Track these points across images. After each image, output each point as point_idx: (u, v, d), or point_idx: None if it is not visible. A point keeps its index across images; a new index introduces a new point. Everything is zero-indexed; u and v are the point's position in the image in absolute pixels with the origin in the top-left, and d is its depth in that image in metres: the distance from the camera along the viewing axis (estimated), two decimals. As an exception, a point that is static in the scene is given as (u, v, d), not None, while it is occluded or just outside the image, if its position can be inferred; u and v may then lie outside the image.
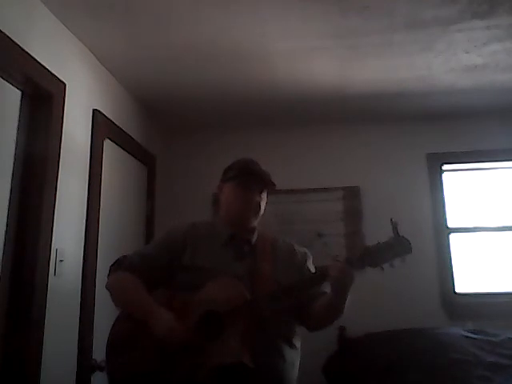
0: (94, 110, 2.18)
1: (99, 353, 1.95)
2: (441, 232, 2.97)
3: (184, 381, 1.30)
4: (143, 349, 1.35)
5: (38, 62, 1.72)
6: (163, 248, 1.54)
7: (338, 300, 1.38)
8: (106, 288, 1.50)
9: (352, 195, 3.07)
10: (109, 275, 1.53)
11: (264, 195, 1.57)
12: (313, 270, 1.56)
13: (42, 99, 1.77)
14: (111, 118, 2.35)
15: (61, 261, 1.81)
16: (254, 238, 1.56)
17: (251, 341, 1.31)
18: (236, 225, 1.55)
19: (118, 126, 2.45)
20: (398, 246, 1.35)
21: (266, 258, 1.51)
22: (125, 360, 1.37)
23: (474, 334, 2.58)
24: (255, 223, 1.57)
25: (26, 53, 1.65)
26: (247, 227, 1.56)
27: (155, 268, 1.50)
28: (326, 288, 1.46)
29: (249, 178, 1.53)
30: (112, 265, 1.54)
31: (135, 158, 2.70)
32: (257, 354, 1.29)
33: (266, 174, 1.55)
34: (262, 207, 1.56)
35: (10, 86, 1.66)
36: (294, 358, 1.45)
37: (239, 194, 1.53)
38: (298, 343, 1.48)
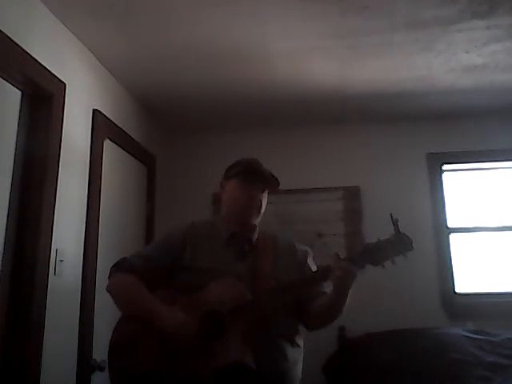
0: (94, 110, 2.18)
1: (99, 353, 1.96)
2: (441, 232, 2.97)
3: (186, 381, 1.29)
4: (146, 350, 1.35)
5: (38, 62, 1.72)
6: (163, 249, 1.54)
7: (339, 299, 1.38)
8: (107, 290, 1.49)
9: (352, 195, 3.07)
10: (109, 277, 1.52)
11: (266, 194, 1.57)
12: (314, 267, 1.56)
13: (42, 99, 1.77)
14: (111, 118, 2.35)
15: (61, 261, 1.81)
16: (255, 237, 1.56)
17: (253, 340, 1.31)
18: (237, 222, 1.55)
19: (118, 126, 2.45)
20: (399, 243, 1.34)
21: (266, 256, 1.51)
22: (127, 361, 1.37)
23: (474, 334, 2.58)
24: (256, 221, 1.57)
25: (26, 53, 1.65)
26: (249, 225, 1.56)
27: (156, 269, 1.50)
28: (326, 288, 1.46)
29: (252, 175, 1.54)
30: (112, 267, 1.53)
31: (135, 158, 2.70)
32: (259, 354, 1.29)
33: (269, 174, 1.56)
34: (264, 206, 1.57)
35: (10, 86, 1.66)
36: (296, 356, 1.44)
37: (242, 190, 1.53)
38: (300, 342, 1.48)
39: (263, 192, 1.56)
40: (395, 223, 1.35)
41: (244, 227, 1.55)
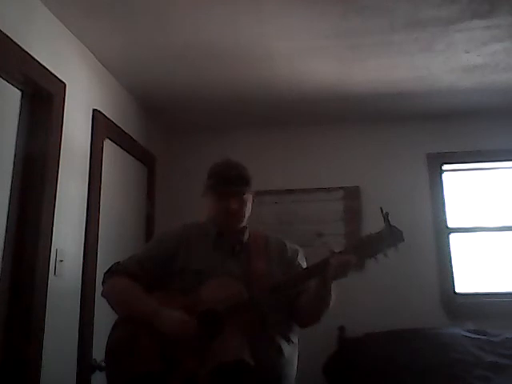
0: (94, 110, 2.18)
1: (99, 353, 1.95)
2: (441, 232, 2.97)
3: (185, 380, 1.30)
4: (144, 350, 1.35)
5: (38, 62, 1.72)
6: (157, 251, 1.54)
7: (327, 292, 1.40)
8: (103, 296, 1.49)
9: (352, 195, 3.07)
10: (103, 283, 1.52)
11: (246, 197, 1.53)
12: (304, 265, 1.57)
13: (42, 99, 1.77)
14: (111, 118, 2.35)
15: (61, 261, 1.81)
16: (246, 237, 1.57)
17: (251, 338, 1.32)
18: (223, 230, 1.55)
19: (118, 126, 2.45)
20: (389, 236, 1.37)
21: (258, 255, 1.51)
22: (126, 362, 1.37)
23: (474, 334, 2.58)
24: (242, 225, 1.56)
25: (26, 53, 1.65)
26: (234, 231, 1.56)
27: (150, 271, 1.49)
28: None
29: (225, 186, 1.50)
30: (106, 272, 1.53)
31: (135, 158, 2.70)
32: (256, 351, 1.30)
33: (239, 179, 1.51)
34: (246, 209, 1.54)
35: (10, 86, 1.67)
36: (292, 353, 1.46)
37: (217, 205, 1.51)
38: (295, 339, 1.50)
39: (242, 196, 1.52)
40: (386, 216, 1.38)
41: (231, 232, 1.55)
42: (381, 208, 1.39)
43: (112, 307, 1.47)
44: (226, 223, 1.54)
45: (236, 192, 1.51)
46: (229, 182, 1.51)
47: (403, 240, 1.37)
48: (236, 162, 1.57)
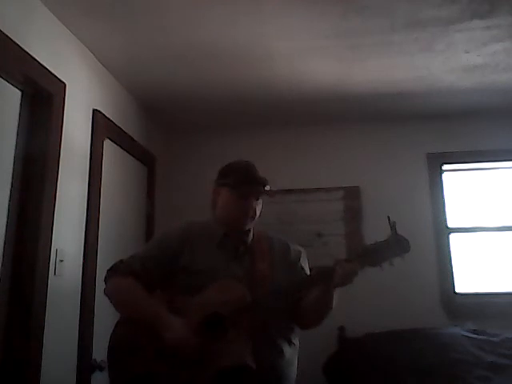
0: (94, 110, 2.18)
1: (99, 353, 1.96)
2: (441, 232, 2.97)
3: (187, 382, 1.30)
4: (146, 352, 1.35)
5: (38, 62, 1.72)
6: (160, 249, 1.53)
7: (331, 298, 1.41)
8: (105, 294, 1.48)
9: (352, 195, 3.07)
10: (106, 281, 1.51)
11: (260, 200, 1.55)
12: (306, 267, 1.57)
13: (42, 99, 1.77)
14: (111, 118, 2.35)
15: (61, 261, 1.81)
16: (250, 238, 1.56)
17: (253, 341, 1.32)
18: (232, 230, 1.54)
19: (118, 126, 2.45)
20: (396, 245, 1.36)
21: (262, 257, 1.51)
22: (127, 364, 1.37)
23: (474, 334, 2.58)
24: (251, 227, 1.57)
25: (26, 53, 1.65)
26: (243, 231, 1.55)
27: (153, 269, 1.49)
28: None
29: (245, 186, 1.50)
30: (108, 270, 1.52)
31: (135, 158, 2.70)
32: (258, 353, 1.30)
33: (262, 180, 1.52)
34: (259, 211, 1.55)
35: (10, 86, 1.67)
36: (293, 355, 1.47)
37: (236, 202, 1.50)
38: (296, 341, 1.50)
39: (257, 199, 1.53)
40: (392, 225, 1.37)
41: (238, 232, 1.55)
42: (388, 217, 1.38)
43: (114, 306, 1.47)
44: (238, 222, 1.52)
45: (258, 193, 1.51)
46: (253, 182, 1.50)
47: (409, 250, 1.36)
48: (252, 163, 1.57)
